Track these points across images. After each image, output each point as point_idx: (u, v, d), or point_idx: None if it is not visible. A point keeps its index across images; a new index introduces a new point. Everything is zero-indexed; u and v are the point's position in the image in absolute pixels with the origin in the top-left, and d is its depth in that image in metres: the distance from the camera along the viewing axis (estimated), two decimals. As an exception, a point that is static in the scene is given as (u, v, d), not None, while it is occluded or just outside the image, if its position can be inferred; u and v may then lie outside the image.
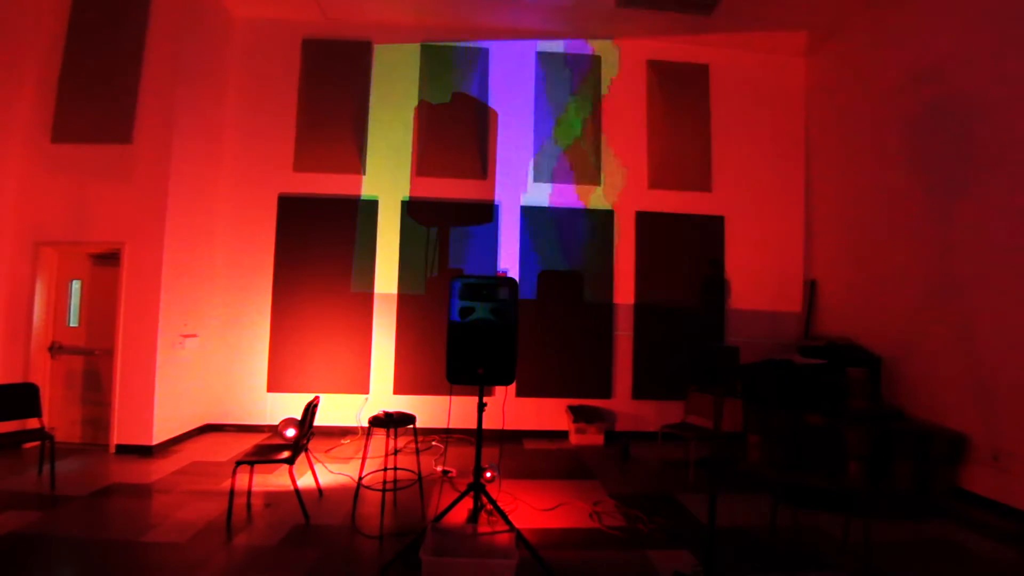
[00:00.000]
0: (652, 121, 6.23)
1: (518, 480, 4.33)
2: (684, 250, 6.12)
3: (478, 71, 6.09)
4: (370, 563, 2.89)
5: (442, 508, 3.38)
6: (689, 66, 6.29)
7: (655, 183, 6.18)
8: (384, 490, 3.66)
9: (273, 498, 3.78)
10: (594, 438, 5.60)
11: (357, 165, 5.92)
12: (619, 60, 6.25)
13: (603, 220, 6.09)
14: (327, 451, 5.01)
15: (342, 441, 5.40)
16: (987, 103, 4.19)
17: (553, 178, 6.08)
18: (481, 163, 6.02)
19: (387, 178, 5.94)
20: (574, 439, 5.63)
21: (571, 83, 6.17)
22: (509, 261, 5.96)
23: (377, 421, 3.70)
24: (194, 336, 5.30)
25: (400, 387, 5.77)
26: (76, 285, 4.98)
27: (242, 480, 3.63)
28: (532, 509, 3.72)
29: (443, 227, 5.94)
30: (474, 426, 3.23)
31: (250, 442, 5.11)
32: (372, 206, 5.90)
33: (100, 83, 4.85)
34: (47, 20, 4.89)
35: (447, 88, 6.03)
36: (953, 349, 4.37)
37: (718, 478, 2.80)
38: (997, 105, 4.10)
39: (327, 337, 5.73)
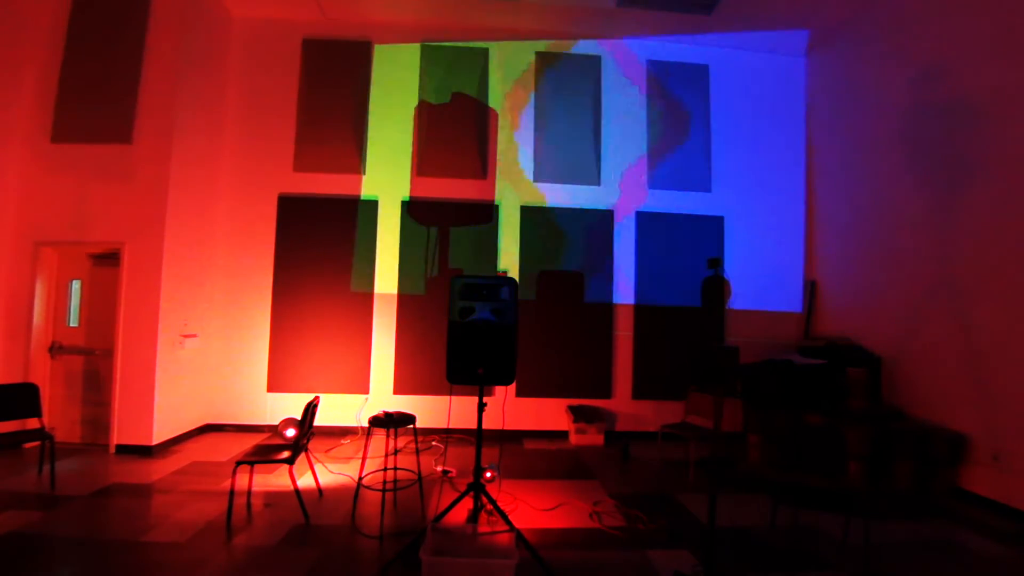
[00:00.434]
0: (652, 121, 6.23)
1: (518, 480, 4.33)
2: (684, 250, 6.12)
3: (478, 71, 6.09)
4: (370, 563, 2.89)
5: (442, 508, 3.38)
6: (689, 66, 6.29)
7: (655, 183, 6.18)
8: (384, 490, 3.66)
9: (273, 498, 3.78)
10: (594, 438, 5.60)
11: (357, 165, 5.92)
12: (619, 60, 6.25)
13: (603, 220, 6.09)
14: (327, 451, 5.01)
15: (342, 441, 5.40)
16: (987, 103, 4.19)
17: (553, 178, 6.08)
18: (481, 163, 6.02)
19: (387, 178, 5.95)
20: (574, 439, 5.63)
21: (571, 83, 6.16)
22: (509, 261, 5.96)
23: (377, 421, 3.70)
24: (194, 336, 5.30)
25: (400, 387, 5.77)
26: (76, 285, 4.98)
27: (242, 480, 3.63)
28: (532, 509, 3.72)
29: (443, 227, 5.94)
30: (474, 426, 3.22)
31: (250, 442, 5.11)
32: (372, 206, 5.90)
33: (100, 83, 4.85)
34: (47, 20, 4.89)
35: (447, 88, 6.03)
36: (953, 349, 4.37)
37: (718, 478, 2.80)
38: (997, 105, 4.10)
39: (327, 337, 5.73)
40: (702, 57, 6.31)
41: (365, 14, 5.90)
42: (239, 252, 5.78)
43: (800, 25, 5.91)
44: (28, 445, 4.45)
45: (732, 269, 6.18)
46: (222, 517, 3.38)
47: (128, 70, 4.88)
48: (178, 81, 4.97)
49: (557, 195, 6.08)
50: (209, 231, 5.60)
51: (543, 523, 3.50)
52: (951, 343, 4.39)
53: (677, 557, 3.05)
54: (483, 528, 3.03)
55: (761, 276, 6.23)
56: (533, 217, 6.01)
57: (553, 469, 4.73)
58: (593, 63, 6.21)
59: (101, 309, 4.87)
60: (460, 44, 6.08)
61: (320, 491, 3.92)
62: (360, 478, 3.71)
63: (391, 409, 4.08)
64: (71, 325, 4.93)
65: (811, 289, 6.18)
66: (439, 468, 4.51)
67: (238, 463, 3.42)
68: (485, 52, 6.12)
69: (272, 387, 5.70)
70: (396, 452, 4.74)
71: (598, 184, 6.13)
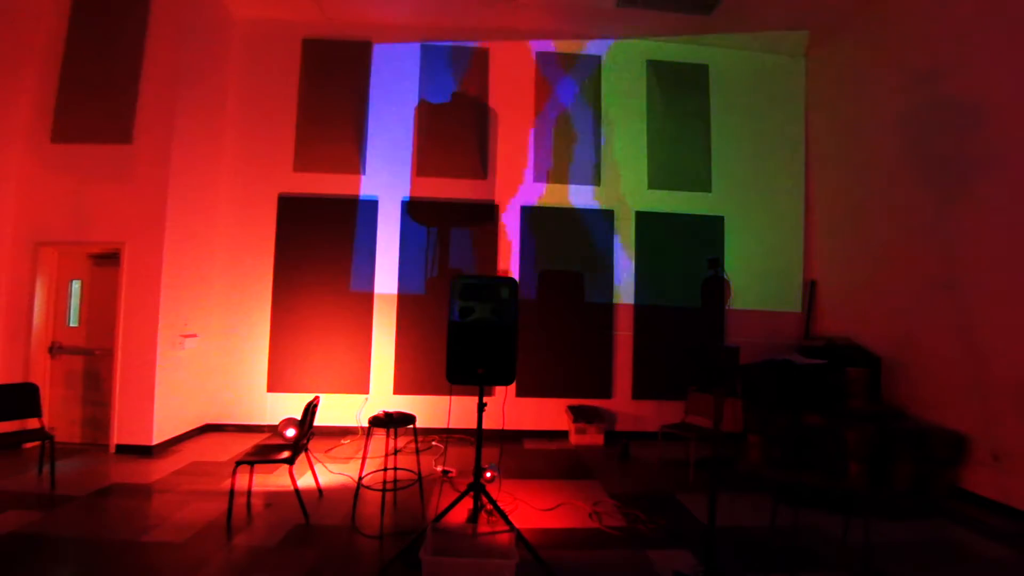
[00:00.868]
0: (652, 121, 6.23)
1: (518, 480, 4.33)
2: (684, 250, 6.12)
3: (478, 71, 6.09)
4: (370, 563, 2.89)
5: (442, 508, 3.38)
6: (689, 66, 6.29)
7: (655, 183, 6.18)
8: (384, 490, 3.66)
9: (273, 498, 3.78)
10: (594, 438, 5.60)
11: (357, 165, 5.92)
12: (619, 60, 6.25)
13: (603, 220, 6.09)
14: (327, 451, 5.01)
15: (342, 441, 5.40)
16: (987, 103, 4.19)
17: (553, 178, 6.08)
18: (481, 163, 6.02)
19: (387, 178, 5.94)
20: (574, 439, 5.63)
21: (570, 83, 6.16)
22: (509, 261, 5.96)
23: (377, 421, 3.70)
24: (194, 336, 5.30)
25: (400, 387, 5.77)
26: (76, 285, 4.98)
27: (242, 480, 3.63)
28: (532, 509, 3.72)
29: (443, 227, 5.94)
30: (474, 426, 3.23)
31: (250, 442, 5.11)
32: (372, 206, 5.90)
33: (100, 83, 4.85)
34: (47, 20, 4.89)
35: (447, 88, 6.03)
36: (953, 349, 4.37)
37: (718, 478, 2.80)
38: (997, 105, 4.10)
39: (327, 337, 5.73)
40: (702, 57, 6.31)
41: (365, 14, 5.90)
42: (239, 252, 5.78)
43: (800, 25, 5.91)
44: (28, 445, 4.45)
45: (732, 269, 6.17)
46: (222, 517, 3.38)
47: (128, 70, 4.88)
48: (178, 81, 4.97)
49: (558, 195, 6.07)
50: (209, 231, 5.60)
51: (543, 523, 3.50)
52: (951, 343, 4.39)
53: (677, 557, 3.05)
54: (483, 528, 3.03)
55: (761, 276, 6.23)
56: (534, 216, 6.01)
57: (553, 469, 4.73)
58: (593, 63, 6.21)
59: (101, 309, 4.87)
60: (460, 44, 6.08)
61: (320, 491, 3.92)
62: (360, 478, 3.71)
63: (391, 409, 4.08)
64: (71, 325, 4.93)
65: (811, 289, 6.18)
66: (439, 468, 4.51)
67: (238, 463, 3.42)
68: (485, 52, 6.12)
69: (272, 387, 5.70)
70: (396, 452, 4.74)
71: (598, 184, 6.13)
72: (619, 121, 6.21)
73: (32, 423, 4.08)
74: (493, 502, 3.04)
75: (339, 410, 5.66)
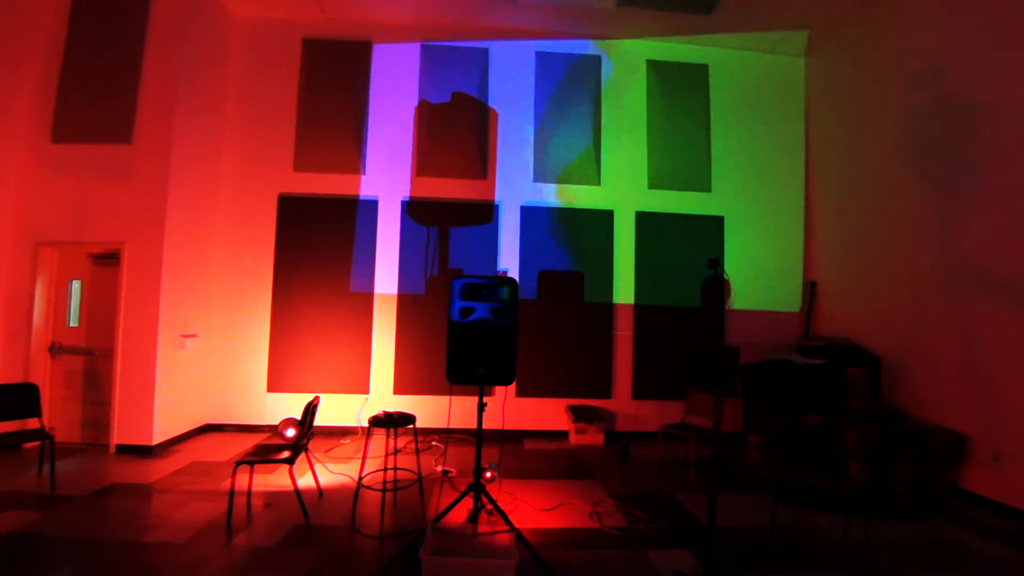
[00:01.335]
0: (652, 121, 6.23)
1: (518, 480, 4.33)
2: (684, 250, 6.12)
3: (478, 71, 6.09)
4: (370, 563, 2.89)
5: (442, 508, 3.38)
6: (689, 66, 6.29)
7: (655, 183, 6.18)
8: (384, 490, 3.66)
9: (273, 498, 3.78)
10: (594, 438, 5.60)
11: (357, 165, 5.92)
12: (619, 60, 6.25)
13: (603, 220, 6.09)
14: (327, 451, 5.00)
15: (342, 441, 5.40)
16: (987, 103, 4.19)
17: (553, 178, 6.08)
18: (481, 163, 6.02)
19: (387, 178, 5.94)
20: (574, 439, 5.63)
21: (571, 83, 6.16)
22: (509, 261, 5.96)
23: (377, 421, 3.70)
24: (194, 336, 5.30)
25: (400, 387, 5.77)
26: (76, 285, 4.98)
27: (242, 480, 3.63)
28: (532, 509, 3.72)
29: (443, 227, 5.94)
30: (474, 426, 3.23)
31: (250, 442, 5.11)
32: (372, 206, 5.90)
33: (100, 83, 4.85)
34: (47, 20, 4.89)
35: (447, 88, 6.03)
36: (953, 349, 4.37)
37: (718, 478, 2.80)
38: (997, 105, 4.10)
39: (327, 337, 5.73)
40: (702, 57, 6.31)
41: (365, 14, 5.90)
42: (239, 252, 5.78)
43: (800, 25, 5.91)
44: (28, 445, 4.45)
45: (732, 269, 6.18)
46: (222, 517, 3.38)
47: (128, 70, 4.88)
48: (178, 81, 4.97)
49: (558, 195, 6.07)
50: (209, 231, 5.60)
51: (543, 523, 3.50)
52: (951, 343, 4.39)
53: (677, 557, 3.05)
54: (483, 528, 3.03)
55: (761, 276, 6.23)
56: (534, 217, 6.01)
57: (553, 469, 4.73)
58: (593, 63, 6.21)
59: (101, 309, 4.87)
60: (460, 44, 6.08)
61: (320, 491, 3.92)
62: (360, 478, 3.71)
63: (391, 409, 4.08)
64: (71, 325, 4.93)
65: (811, 289, 6.18)
66: (439, 468, 4.51)
67: (238, 463, 3.42)
68: (485, 52, 6.12)
69: (272, 387, 5.70)
70: (396, 452, 4.74)
71: (598, 184, 6.13)
72: (619, 121, 6.21)
73: (32, 423, 4.08)
74: (493, 502, 3.04)
75: (339, 410, 5.66)
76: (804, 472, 3.34)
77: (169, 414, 4.97)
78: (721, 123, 6.31)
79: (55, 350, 4.86)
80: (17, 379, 4.49)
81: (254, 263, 5.78)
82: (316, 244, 5.79)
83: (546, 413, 5.89)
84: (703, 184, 6.25)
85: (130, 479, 4.08)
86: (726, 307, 6.15)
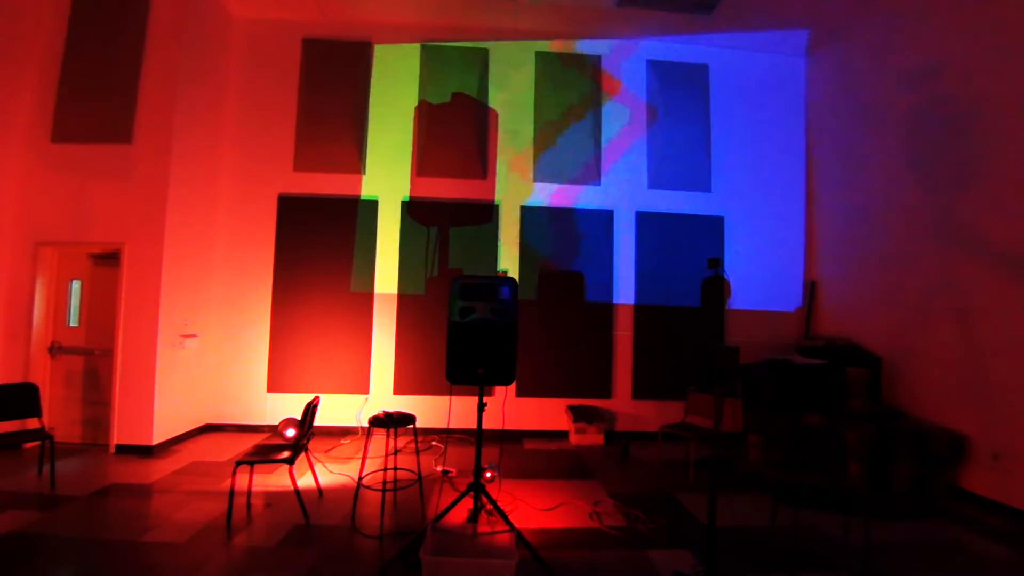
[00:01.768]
0: (652, 121, 6.23)
1: (518, 480, 4.33)
2: (684, 250, 6.12)
3: (478, 71, 6.09)
4: (370, 563, 2.89)
5: (442, 508, 3.38)
6: (689, 66, 6.29)
7: (655, 183, 6.18)
8: (384, 490, 3.66)
9: (273, 498, 3.78)
10: (594, 438, 5.60)
11: (357, 165, 5.92)
12: (619, 60, 6.25)
13: (603, 220, 6.09)
14: (327, 451, 5.01)
15: (342, 441, 5.40)
16: (987, 103, 4.19)
17: (553, 178, 6.08)
18: (481, 163, 6.02)
19: (387, 178, 5.94)
20: (574, 439, 5.63)
21: (570, 83, 6.16)
22: (509, 261, 5.96)
23: (377, 421, 3.70)
24: (194, 336, 5.30)
25: (400, 387, 5.77)
26: (76, 285, 4.98)
27: (242, 480, 3.63)
28: (532, 509, 3.72)
29: (443, 227, 5.94)
30: (474, 426, 3.23)
31: (250, 442, 5.11)
32: (372, 206, 5.90)
33: (100, 83, 4.85)
34: (47, 20, 4.89)
35: (447, 88, 6.03)
36: (953, 349, 4.37)
37: (718, 478, 2.80)
38: (997, 105, 4.10)
39: (327, 337, 5.73)
40: (702, 57, 6.31)
41: (365, 14, 5.90)
42: (239, 252, 5.78)
43: (800, 25, 5.91)
44: (28, 445, 4.45)
45: (732, 269, 6.18)
46: (222, 517, 3.38)
47: (128, 70, 4.88)
48: (178, 81, 4.97)
49: (558, 195, 6.07)
50: (209, 231, 5.60)
51: (543, 523, 3.50)
52: (951, 343, 4.39)
53: (677, 557, 3.05)
54: (483, 528, 3.03)
55: (761, 276, 6.23)
56: (534, 217, 6.01)
57: (553, 469, 4.73)
58: (593, 63, 6.21)
59: (101, 309, 4.87)
60: (460, 44, 6.08)
61: (320, 491, 3.92)
62: (360, 478, 3.71)
63: (391, 409, 4.08)
64: (71, 325, 4.93)
65: (811, 289, 6.18)
66: (439, 468, 4.51)
67: (238, 463, 3.42)
68: (485, 52, 6.12)
69: (272, 387, 5.70)
70: (396, 452, 4.74)
71: (598, 184, 6.13)
72: (619, 121, 6.21)
73: (32, 423, 4.09)
74: (493, 502, 3.04)
75: (339, 410, 5.66)
76: (804, 472, 3.34)
77: (169, 414, 4.97)
78: (721, 123, 6.31)
79: (55, 350, 4.86)
80: (17, 379, 4.49)
81: (254, 263, 5.78)
82: (316, 244, 5.79)
83: (546, 413, 5.89)
84: (703, 184, 6.25)
85: (130, 479, 4.08)
86: (726, 307, 6.18)
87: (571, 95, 6.15)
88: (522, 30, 6.12)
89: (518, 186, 6.05)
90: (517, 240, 5.98)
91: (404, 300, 5.83)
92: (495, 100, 6.10)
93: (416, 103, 6.02)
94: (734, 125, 6.33)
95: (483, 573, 2.51)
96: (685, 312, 6.07)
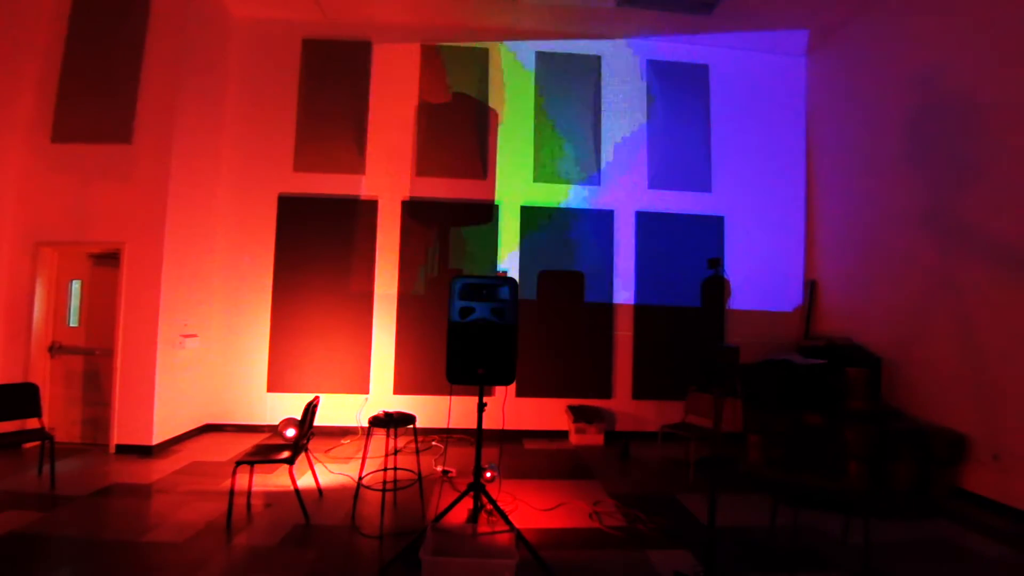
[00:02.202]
0: (652, 121, 6.23)
1: (518, 480, 4.33)
2: (684, 250, 6.12)
3: (479, 71, 6.09)
4: (370, 563, 2.89)
5: (442, 508, 3.38)
6: (689, 66, 6.29)
7: (655, 183, 6.18)
8: (384, 490, 3.66)
9: (273, 498, 3.78)
10: (594, 438, 5.60)
11: (357, 165, 5.92)
12: (619, 60, 6.25)
13: (603, 220, 6.09)
14: (327, 451, 5.01)
15: (342, 441, 5.40)
16: (987, 103, 4.19)
17: (553, 178, 6.08)
18: (481, 163, 6.02)
19: (387, 178, 5.94)
20: (574, 439, 5.63)
21: (570, 83, 6.16)
22: (509, 261, 5.96)
23: (377, 421, 3.70)
24: (194, 336, 5.30)
25: (400, 387, 5.77)
26: (76, 285, 4.98)
27: (242, 480, 3.62)
28: (532, 509, 3.72)
29: (443, 227, 5.94)
30: (474, 426, 3.23)
31: (250, 442, 5.11)
32: (372, 206, 5.90)
33: (100, 83, 4.85)
34: (47, 20, 4.89)
35: (447, 88, 6.03)
36: (953, 349, 4.37)
37: (718, 478, 2.80)
38: (997, 105, 4.10)
39: (327, 337, 5.73)
40: (702, 57, 6.31)
41: (365, 14, 5.90)
42: (239, 252, 5.78)
43: (800, 25, 5.91)
44: (28, 445, 4.45)
45: (732, 269, 6.18)
46: (222, 517, 3.38)
47: (128, 70, 4.88)
48: (178, 81, 4.97)
49: (558, 195, 6.07)
50: (209, 231, 5.60)
51: (543, 523, 3.50)
52: (951, 343, 4.39)
53: (677, 557, 3.05)
54: (483, 528, 3.03)
55: (761, 276, 6.23)
56: (534, 217, 6.01)
57: (553, 469, 4.73)
58: (593, 63, 6.21)
59: (101, 309, 4.87)
60: (460, 44, 6.08)
61: (320, 491, 3.92)
62: (360, 478, 3.71)
63: (391, 409, 4.08)
64: (71, 325, 4.93)
65: (811, 289, 6.18)
66: (439, 468, 4.51)
67: (238, 463, 3.42)
68: (485, 52, 6.12)
69: (272, 387, 5.70)
70: (396, 452, 4.74)
71: (598, 184, 6.13)
72: (619, 121, 6.21)
73: (32, 423, 4.08)
74: (493, 502, 3.04)
75: (339, 410, 5.66)
76: (804, 472, 3.34)
77: (169, 414, 4.97)
78: (721, 123, 6.31)
79: (55, 350, 4.86)
80: (17, 379, 4.49)
81: (254, 263, 5.78)
82: (316, 244, 5.79)
83: (546, 413, 5.89)
84: (703, 184, 6.25)
85: (130, 479, 4.08)
86: (726, 307, 6.18)
87: (571, 95, 6.15)
88: (522, 30, 6.12)
89: (518, 186, 6.04)
90: (517, 240, 5.98)
91: (404, 300, 5.83)
92: (495, 100, 6.11)
93: (416, 103, 6.02)
94: (734, 125, 6.33)
95: (483, 573, 2.51)
96: (685, 312, 6.07)
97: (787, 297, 6.29)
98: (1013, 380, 3.86)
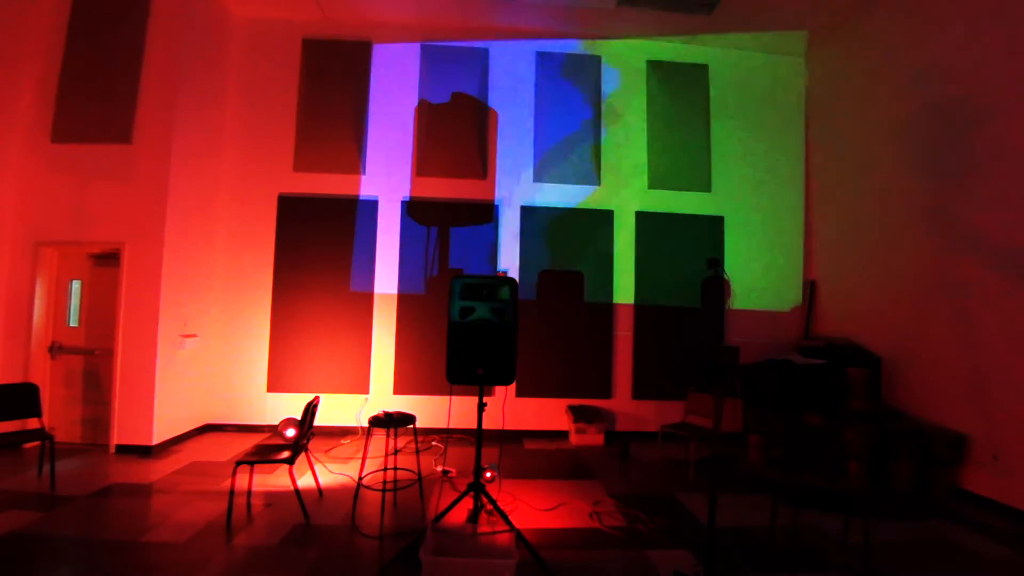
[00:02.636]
0: (652, 121, 6.23)
1: (518, 480, 4.33)
2: (684, 250, 6.12)
3: (478, 71, 6.09)
4: (370, 563, 2.89)
5: (442, 508, 3.38)
6: (689, 66, 6.29)
7: (655, 183, 6.18)
8: (384, 490, 3.66)
9: (273, 498, 3.78)
10: (594, 438, 5.60)
11: (357, 165, 5.92)
12: (619, 60, 6.25)
13: (603, 220, 6.08)
14: (327, 451, 5.01)
15: (342, 441, 5.40)
16: (986, 103, 4.19)
17: (553, 178, 6.08)
18: (481, 163, 6.02)
19: (387, 178, 5.94)
20: (574, 439, 5.63)
21: (571, 83, 6.16)
22: (509, 261, 5.96)
23: (377, 421, 3.70)
24: (194, 336, 5.30)
25: (400, 387, 5.77)
26: (76, 285, 4.98)
27: (242, 480, 3.62)
28: (532, 509, 3.72)
29: (443, 227, 5.94)
30: (474, 426, 3.23)
31: (250, 442, 5.11)
32: (372, 206, 5.90)
33: (100, 83, 4.85)
34: (47, 20, 4.89)
35: (447, 88, 6.02)
36: (953, 349, 4.37)
37: (718, 478, 2.80)
38: (996, 105, 4.10)
39: (327, 337, 5.73)
40: (702, 57, 6.31)
41: (365, 14, 5.90)
42: (239, 252, 5.78)
43: (800, 26, 5.91)
44: (28, 445, 4.45)
45: (732, 269, 6.18)
46: (222, 517, 3.38)
47: (128, 70, 4.88)
48: (178, 81, 4.97)
49: (558, 195, 6.07)
50: (209, 231, 5.60)
51: (543, 523, 3.50)
52: (951, 343, 4.39)
53: (677, 557, 3.05)
54: (483, 528, 3.03)
55: (761, 276, 6.23)
56: (533, 217, 6.01)
57: (553, 469, 4.73)
58: (593, 63, 6.21)
59: (101, 309, 4.87)
60: (460, 44, 6.08)
61: (320, 491, 3.92)
62: (360, 478, 3.71)
63: (391, 409, 4.08)
64: (71, 325, 4.93)
65: (811, 289, 6.18)
66: (439, 468, 4.51)
67: (238, 463, 3.42)
68: (485, 52, 6.12)
69: (272, 387, 5.70)
70: (396, 452, 4.74)
71: (598, 184, 6.13)
72: (619, 121, 6.21)
73: (32, 423, 4.08)
74: (493, 502, 3.04)
75: (339, 410, 5.66)
76: (804, 472, 3.34)
77: (169, 414, 4.97)
78: (721, 123, 6.31)
79: (55, 350, 4.86)
80: (17, 379, 4.48)
81: (254, 263, 5.77)
82: (316, 244, 5.79)
83: (546, 413, 5.89)
84: (703, 184, 6.25)
85: (130, 479, 4.08)
86: (726, 307, 6.18)
87: (571, 95, 6.15)
88: (522, 30, 6.12)
89: (518, 186, 6.04)
90: (517, 240, 5.98)
91: (404, 300, 5.83)
92: (495, 100, 6.11)
93: (416, 103, 6.02)
94: (734, 125, 6.32)
95: (483, 573, 2.51)
96: (685, 312, 6.07)
97: (787, 297, 6.29)
98: (1013, 380, 3.86)
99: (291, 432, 5.17)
